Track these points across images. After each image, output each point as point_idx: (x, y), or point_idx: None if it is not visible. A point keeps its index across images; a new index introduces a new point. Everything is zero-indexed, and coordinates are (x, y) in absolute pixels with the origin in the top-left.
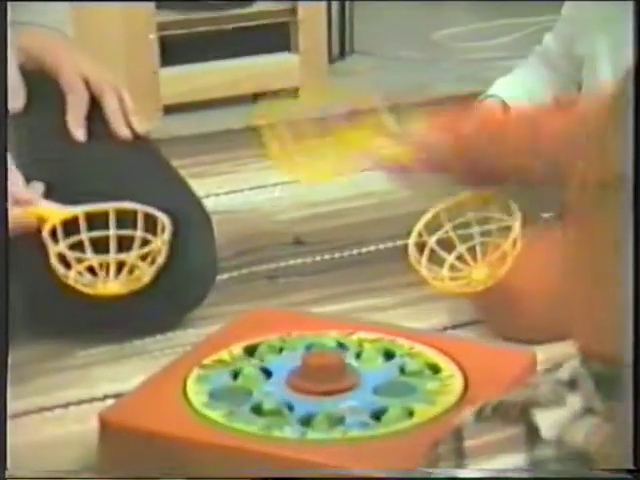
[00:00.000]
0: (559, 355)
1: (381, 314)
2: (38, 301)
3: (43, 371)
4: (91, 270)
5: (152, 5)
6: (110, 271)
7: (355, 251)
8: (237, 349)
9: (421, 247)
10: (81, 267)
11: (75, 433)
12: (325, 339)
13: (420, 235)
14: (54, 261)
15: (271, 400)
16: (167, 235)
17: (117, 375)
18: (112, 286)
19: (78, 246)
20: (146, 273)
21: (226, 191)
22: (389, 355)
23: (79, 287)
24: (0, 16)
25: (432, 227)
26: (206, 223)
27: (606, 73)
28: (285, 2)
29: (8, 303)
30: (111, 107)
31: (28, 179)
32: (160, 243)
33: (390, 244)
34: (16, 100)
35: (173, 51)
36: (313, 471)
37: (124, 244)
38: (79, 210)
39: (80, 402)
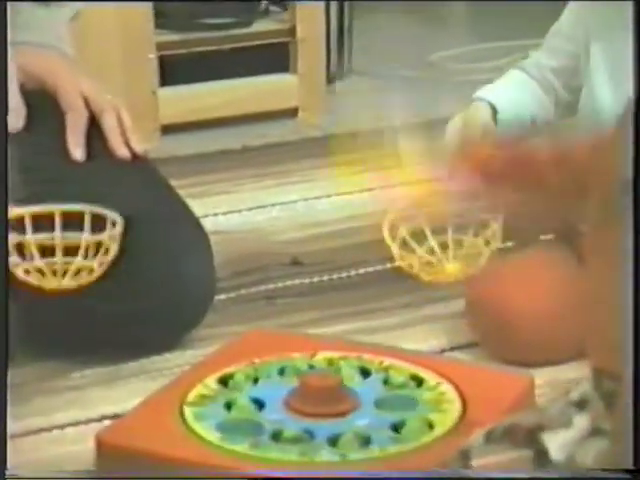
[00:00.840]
0: (557, 379)
1: (379, 336)
2: (35, 322)
3: (40, 392)
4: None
5: (151, 25)
6: (57, 273)
7: (353, 272)
8: (211, 382)
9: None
10: (29, 266)
11: (72, 453)
12: (295, 362)
13: (394, 223)
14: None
15: (288, 428)
16: (117, 231)
17: (114, 396)
18: (61, 282)
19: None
20: (95, 270)
21: (224, 211)
22: (365, 372)
23: (30, 281)
24: (0, 16)
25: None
26: (204, 243)
27: (605, 93)
28: (284, 23)
29: (8, 311)
30: (110, 125)
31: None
32: (107, 239)
33: (389, 265)
34: (18, 119)
35: (172, 71)
36: (317, 472)
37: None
38: (25, 210)
39: (77, 423)
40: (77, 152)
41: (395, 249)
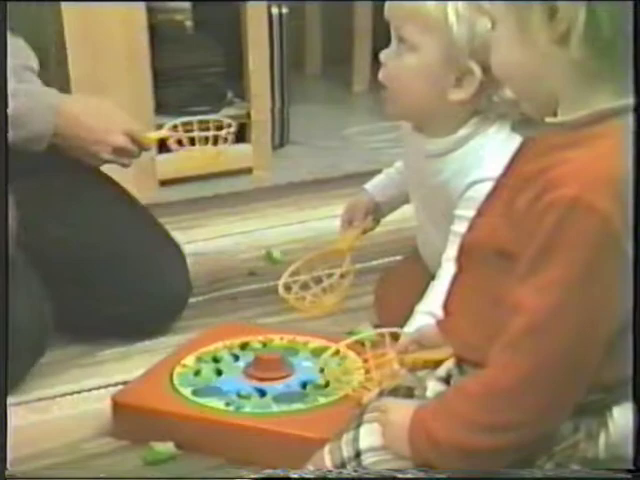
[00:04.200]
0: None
1: (308, 323)
2: (65, 315)
3: (72, 366)
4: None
5: (152, 112)
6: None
7: (290, 279)
8: (191, 360)
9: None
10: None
11: (95, 410)
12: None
13: (292, 274)
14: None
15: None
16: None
17: (125, 368)
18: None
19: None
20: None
21: (201, 239)
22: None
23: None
24: (0, 16)
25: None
26: (181, 259)
27: None
28: (243, 109)
29: (7, 310)
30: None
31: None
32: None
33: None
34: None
35: (166, 144)
36: (318, 471)
37: None
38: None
39: (99, 387)
40: None
41: (291, 298)
